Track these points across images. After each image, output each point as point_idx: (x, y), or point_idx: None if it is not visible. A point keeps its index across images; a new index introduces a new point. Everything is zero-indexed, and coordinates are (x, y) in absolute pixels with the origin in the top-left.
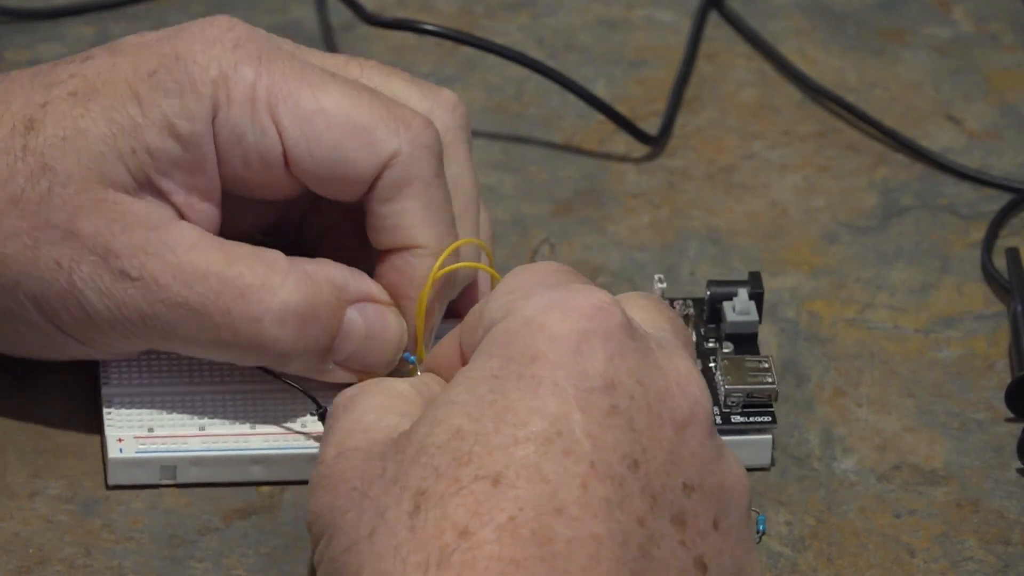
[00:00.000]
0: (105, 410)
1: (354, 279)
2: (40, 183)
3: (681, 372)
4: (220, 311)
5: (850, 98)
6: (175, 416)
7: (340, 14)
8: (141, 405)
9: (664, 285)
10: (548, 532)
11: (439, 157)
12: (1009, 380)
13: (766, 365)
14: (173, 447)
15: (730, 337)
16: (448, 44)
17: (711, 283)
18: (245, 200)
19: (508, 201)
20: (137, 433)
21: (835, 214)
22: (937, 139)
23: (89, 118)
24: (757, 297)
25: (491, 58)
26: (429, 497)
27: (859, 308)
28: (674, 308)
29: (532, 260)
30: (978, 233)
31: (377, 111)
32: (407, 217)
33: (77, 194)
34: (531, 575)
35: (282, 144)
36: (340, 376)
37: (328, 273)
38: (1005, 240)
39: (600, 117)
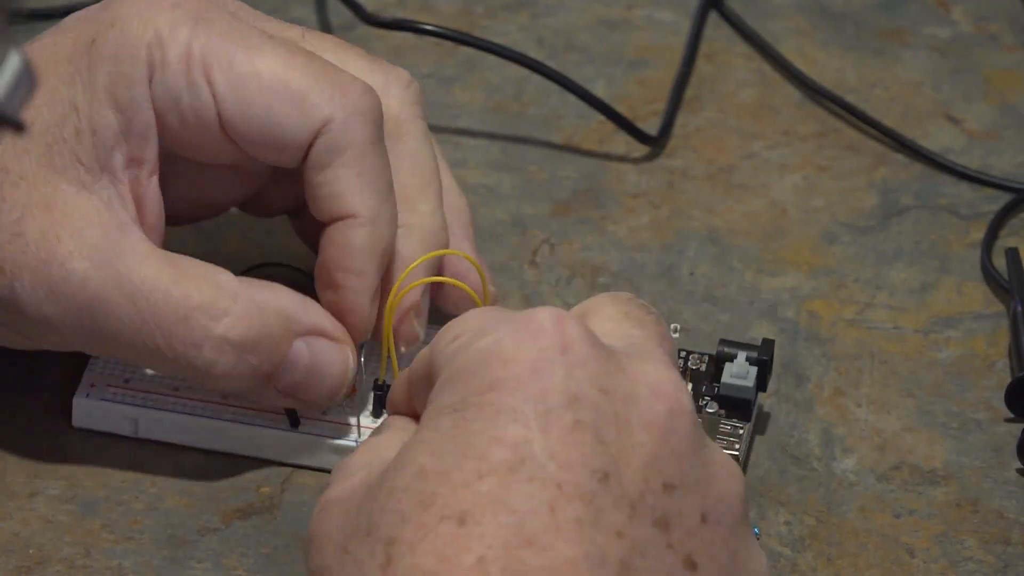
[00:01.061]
0: (90, 364)
1: (307, 310)
2: None
3: (649, 373)
4: (161, 331)
5: (850, 98)
6: (155, 375)
7: (340, 14)
8: (126, 367)
9: (678, 335)
10: (519, 566)
11: (377, 124)
12: (1009, 380)
13: (741, 432)
14: (140, 400)
15: (722, 399)
16: (448, 44)
17: (722, 342)
18: (207, 171)
19: (507, 201)
20: (111, 382)
21: (835, 214)
22: (937, 139)
23: (35, 109)
24: (760, 364)
25: (491, 58)
26: (399, 545)
27: (859, 308)
28: (687, 362)
29: (532, 260)
30: (978, 233)
31: (312, 76)
32: (341, 185)
33: (27, 193)
34: None
35: (216, 105)
36: (282, 403)
37: (280, 302)
38: (1005, 240)
39: (600, 117)
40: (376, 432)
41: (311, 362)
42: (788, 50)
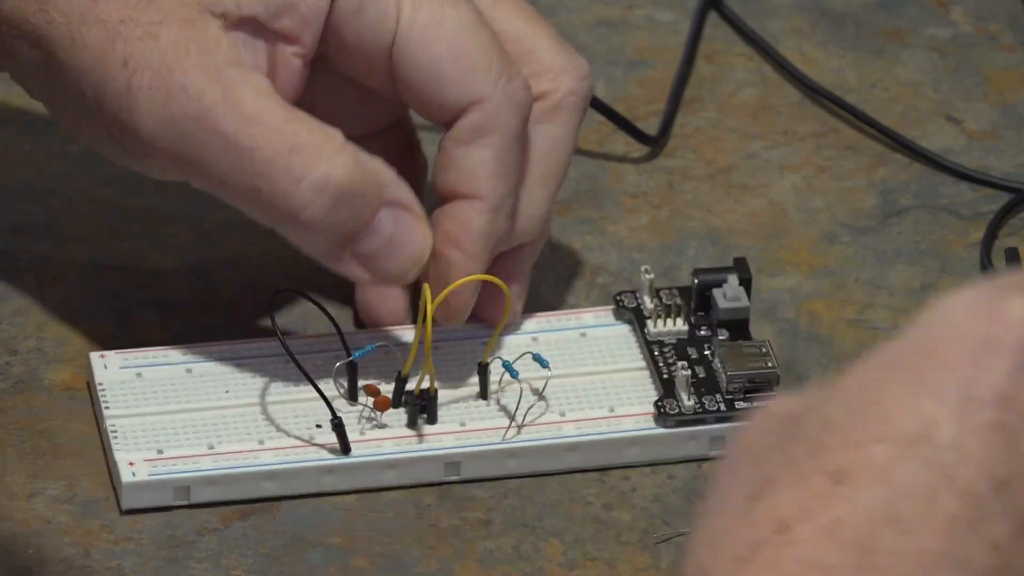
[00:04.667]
0: (111, 434)
1: (398, 183)
2: None
3: None
4: (264, 158)
5: (849, 98)
6: (181, 436)
7: None
8: (146, 427)
9: (652, 276)
10: (873, 541)
11: (525, 121)
12: None
13: (765, 350)
14: (184, 468)
15: (723, 324)
16: None
17: (697, 271)
18: (360, 91)
19: None
20: (147, 456)
21: (834, 214)
22: (936, 139)
23: None
24: (746, 283)
25: None
26: (773, 485)
27: (858, 308)
28: (661, 298)
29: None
30: (977, 233)
31: (488, 52)
32: (477, 165)
33: (174, 6)
34: None
35: (395, 33)
36: (354, 271)
37: (378, 167)
38: (1004, 240)
39: (599, 117)
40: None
41: (393, 232)
42: (788, 50)
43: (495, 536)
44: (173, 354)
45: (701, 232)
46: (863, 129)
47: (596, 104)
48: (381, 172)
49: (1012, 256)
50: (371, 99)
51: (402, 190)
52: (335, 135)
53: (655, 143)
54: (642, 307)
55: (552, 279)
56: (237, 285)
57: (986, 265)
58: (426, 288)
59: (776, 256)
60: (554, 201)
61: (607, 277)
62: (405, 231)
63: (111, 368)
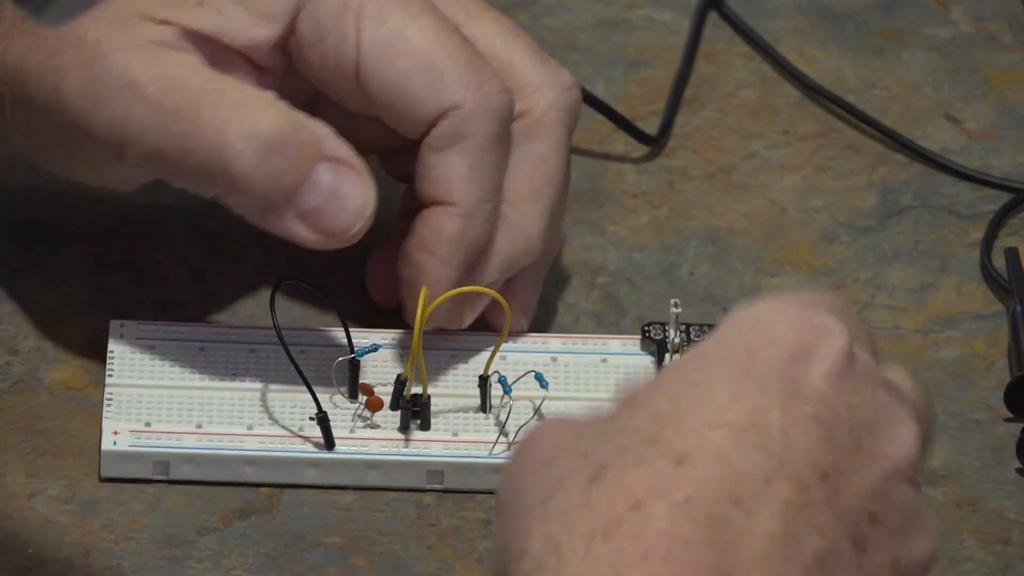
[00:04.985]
0: (106, 401)
1: (335, 140)
2: None
3: (895, 419)
4: (191, 118)
5: (849, 98)
6: (173, 412)
7: None
8: (142, 399)
9: (679, 310)
10: (722, 519)
11: (502, 124)
12: (1008, 380)
13: None
14: (168, 443)
15: None
16: None
17: (727, 311)
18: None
19: None
20: (133, 427)
21: (834, 214)
22: (936, 139)
23: None
24: None
25: None
26: (610, 469)
27: (858, 308)
28: (689, 335)
29: None
30: (977, 233)
31: (456, 59)
32: (450, 171)
33: (107, 13)
34: (699, 557)
35: (357, 55)
36: (298, 230)
37: (311, 122)
38: (1004, 240)
39: (599, 117)
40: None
41: (333, 187)
42: (788, 50)
43: (495, 536)
44: (191, 331)
45: (701, 232)
46: (863, 129)
47: (596, 104)
48: (316, 127)
49: (1012, 256)
50: (374, 120)
51: (340, 146)
52: (264, 94)
53: (655, 143)
54: (667, 340)
55: (552, 279)
56: (237, 285)
57: (986, 265)
58: (423, 291)
59: (776, 256)
60: (555, 216)
61: (607, 277)
62: (345, 186)
63: (127, 337)
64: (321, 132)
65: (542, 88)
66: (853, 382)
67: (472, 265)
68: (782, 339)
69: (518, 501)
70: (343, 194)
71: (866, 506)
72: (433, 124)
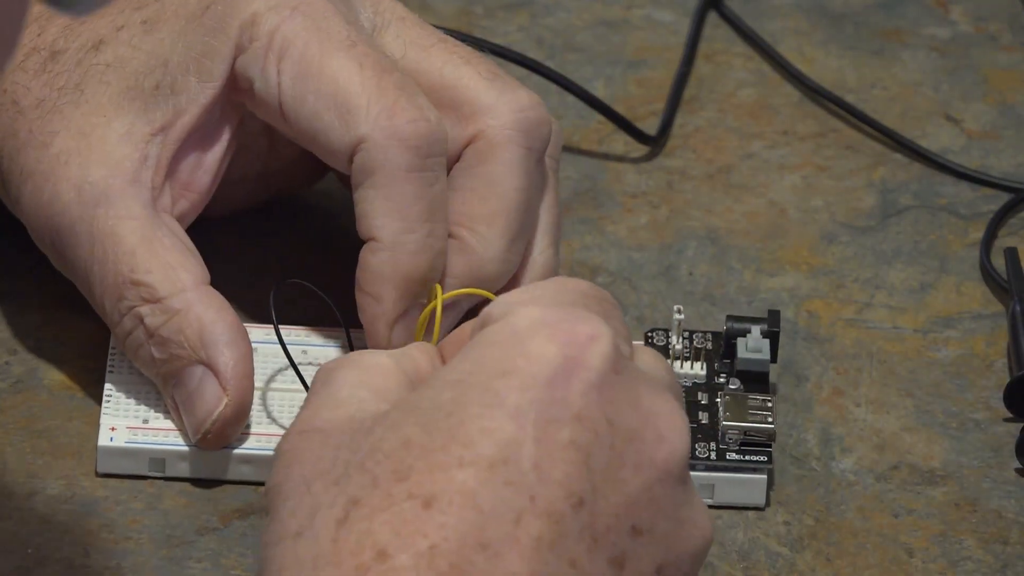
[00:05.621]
0: (105, 397)
1: (227, 346)
2: (63, 97)
3: (661, 415)
4: (104, 284)
5: (849, 98)
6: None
7: None
8: (140, 395)
9: (682, 316)
10: (467, 566)
11: (419, 153)
12: (1007, 380)
13: (769, 405)
14: (164, 440)
15: (740, 374)
16: None
17: (729, 318)
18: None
19: None
20: (131, 423)
21: (834, 214)
22: (936, 139)
23: (135, 50)
24: (772, 336)
25: (490, 58)
26: (360, 508)
27: (858, 308)
28: (692, 341)
29: None
30: (977, 233)
31: (368, 92)
32: (366, 206)
33: (81, 117)
34: None
35: (278, 94)
36: (171, 412)
37: (207, 323)
38: (1004, 240)
39: (599, 117)
40: (383, 352)
41: (195, 390)
42: (787, 50)
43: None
44: None
45: (701, 232)
46: (863, 129)
47: (596, 104)
48: (210, 330)
49: (1011, 256)
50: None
51: (225, 353)
52: (182, 280)
53: (655, 143)
54: (669, 347)
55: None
56: (237, 285)
57: (985, 264)
58: (436, 289)
59: (775, 256)
60: (516, 237)
61: (606, 277)
62: (203, 392)
63: None
64: (214, 335)
65: (495, 109)
66: (616, 388)
67: (421, 294)
68: (541, 357)
69: (274, 526)
70: (197, 399)
71: (628, 522)
72: (351, 160)
